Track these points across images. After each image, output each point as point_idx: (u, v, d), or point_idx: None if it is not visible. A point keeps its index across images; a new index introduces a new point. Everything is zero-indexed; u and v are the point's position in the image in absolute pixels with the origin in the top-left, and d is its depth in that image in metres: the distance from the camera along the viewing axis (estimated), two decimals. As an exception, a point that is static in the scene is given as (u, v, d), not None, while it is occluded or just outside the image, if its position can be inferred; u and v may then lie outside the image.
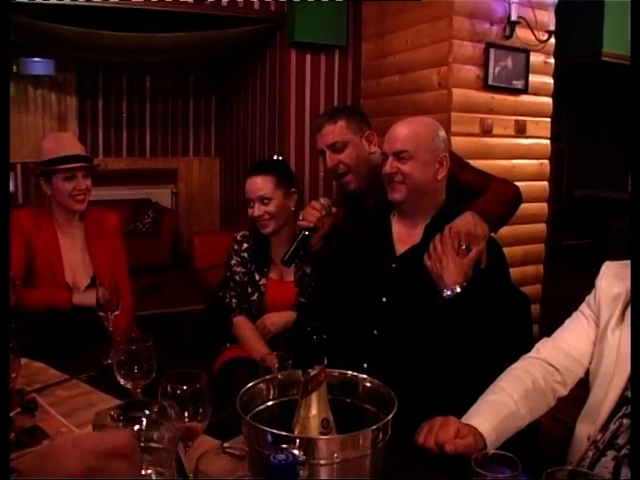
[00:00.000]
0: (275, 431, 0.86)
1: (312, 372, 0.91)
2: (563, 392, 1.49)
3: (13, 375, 1.31)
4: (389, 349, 1.75)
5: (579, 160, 7.50)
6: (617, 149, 6.69)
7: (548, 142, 4.01)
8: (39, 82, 6.10)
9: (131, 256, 2.57)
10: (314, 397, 0.92)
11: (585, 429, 1.39)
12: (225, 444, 1.27)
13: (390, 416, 0.92)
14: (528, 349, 1.58)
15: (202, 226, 6.79)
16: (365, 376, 1.05)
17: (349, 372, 1.06)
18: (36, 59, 5.87)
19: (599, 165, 7.10)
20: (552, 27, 3.67)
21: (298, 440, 0.84)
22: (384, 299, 1.81)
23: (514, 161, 3.83)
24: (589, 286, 1.56)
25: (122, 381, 1.33)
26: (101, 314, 1.76)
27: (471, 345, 1.70)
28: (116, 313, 1.76)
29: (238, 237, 2.36)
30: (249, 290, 2.29)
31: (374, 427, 0.90)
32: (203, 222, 6.87)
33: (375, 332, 1.80)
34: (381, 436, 0.91)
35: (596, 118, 6.78)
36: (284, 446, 0.81)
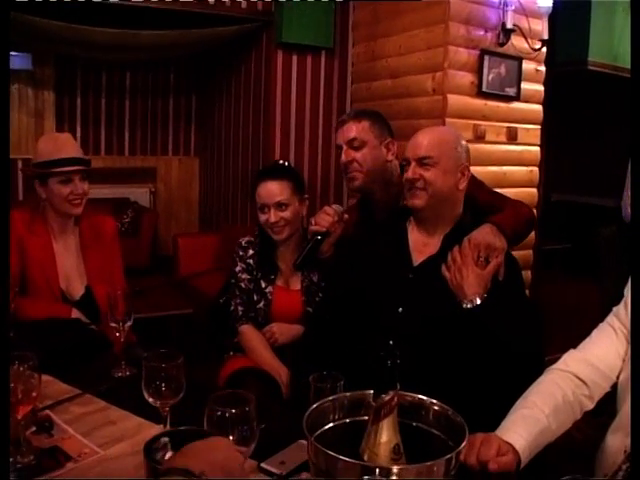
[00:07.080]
0: (352, 460, 0.82)
1: (385, 397, 0.87)
2: (590, 406, 1.48)
3: (34, 394, 1.23)
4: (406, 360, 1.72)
5: (563, 166, 7.58)
6: (599, 156, 6.80)
7: (538, 149, 4.04)
8: (16, 76, 5.86)
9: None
10: (386, 423, 0.88)
11: (619, 441, 1.38)
12: (262, 464, 1.23)
13: (463, 445, 0.88)
14: (540, 362, 1.58)
15: (181, 227, 6.65)
16: (434, 400, 1.01)
17: (418, 395, 1.02)
18: (13, 53, 5.66)
19: (581, 171, 7.20)
20: (545, 36, 3.69)
21: (378, 469, 0.79)
22: (400, 309, 1.78)
23: (505, 167, 3.84)
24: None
25: (150, 399, 1.26)
26: (112, 325, 1.68)
27: (489, 356, 1.68)
28: (129, 324, 1.69)
29: (243, 243, 2.29)
30: (255, 298, 2.23)
31: (448, 456, 0.86)
32: (182, 223, 6.74)
33: (391, 343, 1.76)
34: (453, 464, 0.88)
35: (580, 125, 6.88)
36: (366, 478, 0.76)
